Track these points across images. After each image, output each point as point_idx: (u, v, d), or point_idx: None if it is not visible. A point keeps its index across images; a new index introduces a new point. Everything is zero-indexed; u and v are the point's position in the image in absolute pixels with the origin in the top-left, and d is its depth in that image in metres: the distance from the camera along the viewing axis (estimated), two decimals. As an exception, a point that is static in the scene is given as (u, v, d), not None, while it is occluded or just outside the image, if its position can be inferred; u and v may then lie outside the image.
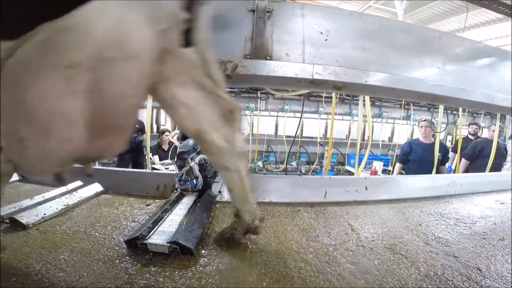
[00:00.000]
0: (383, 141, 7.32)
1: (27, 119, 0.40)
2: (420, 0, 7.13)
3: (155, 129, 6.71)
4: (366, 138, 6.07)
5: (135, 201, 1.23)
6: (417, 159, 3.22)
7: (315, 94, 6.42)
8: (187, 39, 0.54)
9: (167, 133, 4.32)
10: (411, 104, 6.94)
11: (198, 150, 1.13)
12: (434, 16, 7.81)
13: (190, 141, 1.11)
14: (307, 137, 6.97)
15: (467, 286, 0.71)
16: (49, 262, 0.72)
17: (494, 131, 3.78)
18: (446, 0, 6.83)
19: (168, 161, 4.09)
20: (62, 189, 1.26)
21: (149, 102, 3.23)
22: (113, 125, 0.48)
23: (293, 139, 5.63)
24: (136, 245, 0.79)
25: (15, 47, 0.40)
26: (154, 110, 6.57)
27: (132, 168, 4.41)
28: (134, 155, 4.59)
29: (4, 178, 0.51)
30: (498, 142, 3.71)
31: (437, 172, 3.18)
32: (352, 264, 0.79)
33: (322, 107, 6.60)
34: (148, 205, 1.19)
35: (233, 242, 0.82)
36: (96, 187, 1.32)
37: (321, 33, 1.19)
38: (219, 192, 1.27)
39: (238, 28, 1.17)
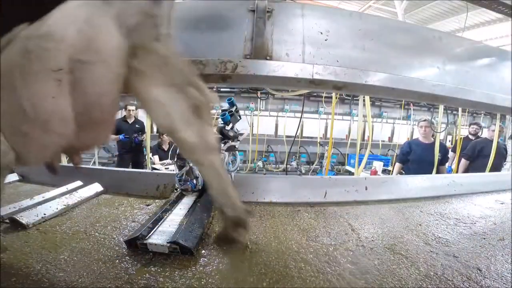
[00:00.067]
0: (383, 141, 7.33)
1: (28, 117, 0.46)
2: (420, 0, 7.13)
3: (155, 129, 6.72)
4: (366, 138, 6.08)
5: (135, 201, 1.23)
6: (416, 159, 3.23)
7: (315, 94, 6.43)
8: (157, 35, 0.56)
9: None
10: (411, 104, 6.95)
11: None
12: (434, 16, 7.82)
13: (190, 141, 1.11)
14: (307, 137, 6.98)
15: (467, 286, 0.71)
16: (49, 262, 0.72)
17: (494, 131, 3.78)
18: (446, 0, 6.83)
19: (168, 161, 4.09)
20: (62, 189, 1.26)
21: (149, 102, 3.23)
22: (95, 120, 0.54)
23: (293, 139, 5.65)
24: (136, 245, 0.79)
25: None
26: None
27: (132, 168, 4.42)
28: (134, 155, 4.59)
29: (4, 172, 0.54)
30: (498, 142, 3.71)
31: (437, 172, 3.18)
32: (352, 264, 0.79)
33: (322, 107, 6.61)
34: (148, 205, 1.19)
35: (229, 241, 0.80)
36: (96, 187, 1.32)
37: (321, 33, 1.19)
38: (219, 192, 1.27)
39: (238, 28, 1.17)
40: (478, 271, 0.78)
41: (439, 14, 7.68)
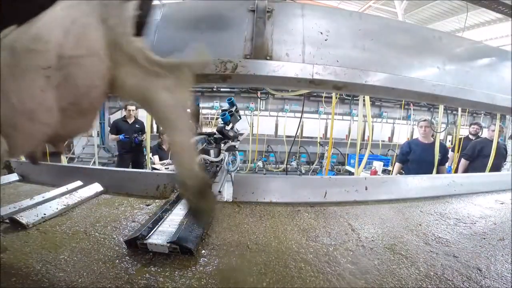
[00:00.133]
0: (383, 141, 7.33)
1: (17, 110, 0.52)
2: (420, 0, 7.14)
3: (155, 129, 6.72)
4: (366, 138, 6.08)
5: (135, 201, 1.23)
6: (416, 159, 3.23)
7: (315, 94, 6.43)
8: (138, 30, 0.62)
9: (167, 133, 4.32)
10: (411, 104, 6.95)
11: (198, 150, 1.13)
12: (434, 16, 7.82)
13: (190, 141, 1.11)
14: (307, 137, 6.97)
15: (467, 286, 0.71)
16: (49, 262, 0.72)
17: (493, 131, 3.79)
18: (446, 0, 6.83)
19: (168, 161, 4.09)
20: (62, 189, 1.26)
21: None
22: (85, 109, 0.60)
23: (293, 139, 5.65)
24: (136, 245, 0.79)
25: None
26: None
27: (132, 168, 4.42)
28: (134, 155, 4.59)
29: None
30: (498, 142, 3.71)
31: (437, 172, 3.18)
32: (352, 264, 0.79)
33: (322, 107, 6.61)
34: (148, 205, 1.19)
35: (200, 212, 0.77)
36: (96, 187, 1.32)
37: (321, 33, 1.19)
38: (219, 192, 1.27)
39: (238, 28, 1.17)
40: (478, 271, 0.78)
41: (439, 14, 7.68)
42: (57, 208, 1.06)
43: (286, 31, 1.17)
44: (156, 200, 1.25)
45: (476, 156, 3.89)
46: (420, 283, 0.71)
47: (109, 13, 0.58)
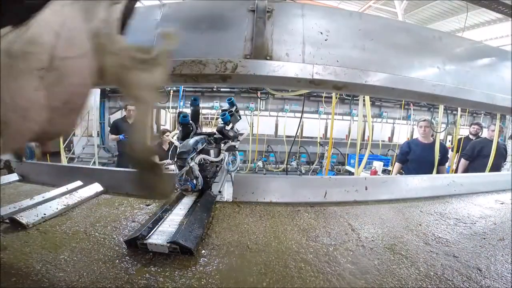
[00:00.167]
0: (383, 141, 7.33)
1: (10, 108, 0.54)
2: (420, 0, 7.14)
3: (155, 129, 6.71)
4: (366, 138, 6.09)
5: (135, 201, 1.23)
6: (415, 159, 3.23)
7: (315, 94, 6.44)
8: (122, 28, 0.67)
9: (167, 133, 4.32)
10: (411, 104, 6.96)
11: (198, 150, 1.13)
12: (434, 16, 7.83)
13: (190, 141, 1.11)
14: (307, 137, 6.98)
15: (467, 286, 0.71)
16: (49, 262, 0.72)
17: (493, 131, 3.79)
18: (446, 0, 6.84)
19: (168, 161, 4.09)
20: (62, 189, 1.26)
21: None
22: (74, 107, 0.64)
23: (293, 139, 5.65)
24: (136, 245, 0.79)
25: None
26: (154, 110, 6.59)
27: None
28: (134, 155, 4.59)
29: None
30: (498, 142, 3.71)
31: (437, 172, 3.18)
32: (352, 264, 0.79)
33: (322, 107, 6.61)
34: (148, 205, 1.19)
35: (148, 188, 0.76)
36: (96, 187, 1.32)
37: (321, 33, 1.19)
38: (219, 192, 1.27)
39: (238, 28, 1.17)
40: (478, 271, 0.78)
41: (439, 14, 7.69)
42: (57, 208, 1.06)
43: (286, 31, 1.17)
44: (156, 200, 1.25)
45: (476, 156, 3.89)
46: (420, 283, 0.71)
47: (95, 16, 0.62)
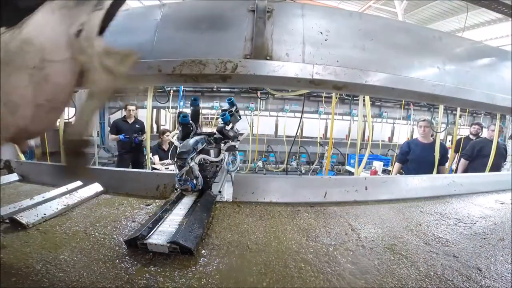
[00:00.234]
0: (383, 141, 7.33)
1: (2, 101, 0.57)
2: (420, 0, 7.14)
3: (155, 129, 6.72)
4: (366, 138, 6.08)
5: (135, 201, 1.23)
6: (415, 158, 3.23)
7: (315, 94, 6.43)
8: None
9: (167, 133, 4.33)
10: (411, 104, 6.95)
11: (198, 150, 1.13)
12: (434, 16, 7.83)
13: (190, 141, 1.11)
14: (307, 137, 6.97)
15: (467, 286, 0.71)
16: (49, 262, 0.72)
17: (493, 131, 3.79)
18: (446, 0, 6.84)
19: (168, 161, 4.09)
20: (62, 189, 1.26)
21: (149, 103, 3.24)
22: (57, 105, 0.67)
23: (293, 139, 5.65)
24: (136, 245, 0.79)
25: None
26: (154, 110, 6.59)
27: (132, 168, 4.42)
28: (134, 155, 4.60)
29: None
30: (497, 142, 3.71)
31: (437, 172, 3.18)
32: (352, 264, 0.79)
33: (322, 107, 6.60)
34: (148, 205, 1.19)
35: (71, 171, 0.81)
36: (96, 187, 1.32)
37: (321, 33, 1.19)
38: (219, 192, 1.27)
39: (238, 28, 1.17)
40: (478, 271, 0.78)
41: (439, 14, 7.69)
42: (57, 208, 1.06)
43: (286, 31, 1.17)
44: (156, 200, 1.25)
45: (476, 156, 3.89)
46: (420, 283, 0.71)
47: (78, 21, 0.67)
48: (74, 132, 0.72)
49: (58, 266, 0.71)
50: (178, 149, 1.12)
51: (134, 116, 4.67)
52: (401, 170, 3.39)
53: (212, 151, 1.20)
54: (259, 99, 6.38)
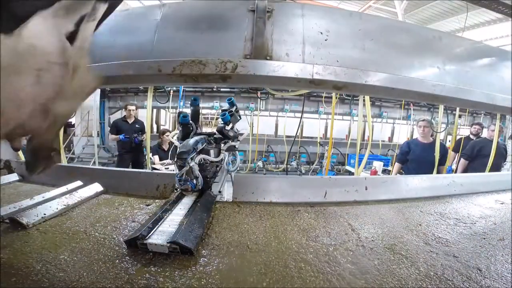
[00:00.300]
0: (383, 141, 7.33)
1: (9, 97, 0.59)
2: (420, 0, 7.15)
3: (155, 129, 6.72)
4: (366, 138, 6.09)
5: (135, 201, 1.23)
6: (415, 158, 3.23)
7: (315, 94, 6.44)
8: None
9: (167, 133, 4.33)
10: (411, 104, 6.95)
11: (198, 150, 1.13)
12: (434, 16, 7.84)
13: (190, 141, 1.11)
14: (307, 137, 6.98)
15: (467, 286, 0.71)
16: (49, 262, 0.72)
17: (493, 131, 3.79)
18: (446, 0, 6.84)
19: (168, 161, 4.09)
20: (62, 189, 1.26)
21: (149, 103, 3.24)
22: (48, 108, 0.67)
23: (293, 139, 5.65)
24: (136, 245, 0.79)
25: None
26: (154, 110, 6.60)
27: (132, 168, 4.42)
28: (134, 155, 4.60)
29: None
30: (497, 142, 3.71)
31: (437, 172, 3.19)
32: (352, 264, 0.79)
33: (322, 107, 6.61)
34: (148, 205, 1.19)
35: (34, 166, 0.79)
36: (96, 187, 1.32)
37: (321, 33, 1.19)
38: (219, 192, 1.27)
39: (238, 28, 1.17)
40: (478, 271, 0.78)
41: (439, 14, 7.70)
42: (57, 208, 1.06)
43: (286, 31, 1.17)
44: (156, 200, 1.25)
45: (476, 156, 3.89)
46: (420, 283, 0.71)
47: (67, 30, 0.68)
48: (43, 139, 0.73)
49: (58, 266, 0.71)
50: (178, 149, 1.12)
51: (134, 116, 4.67)
52: (401, 170, 3.39)
53: (212, 151, 1.20)
54: (259, 99, 6.38)
